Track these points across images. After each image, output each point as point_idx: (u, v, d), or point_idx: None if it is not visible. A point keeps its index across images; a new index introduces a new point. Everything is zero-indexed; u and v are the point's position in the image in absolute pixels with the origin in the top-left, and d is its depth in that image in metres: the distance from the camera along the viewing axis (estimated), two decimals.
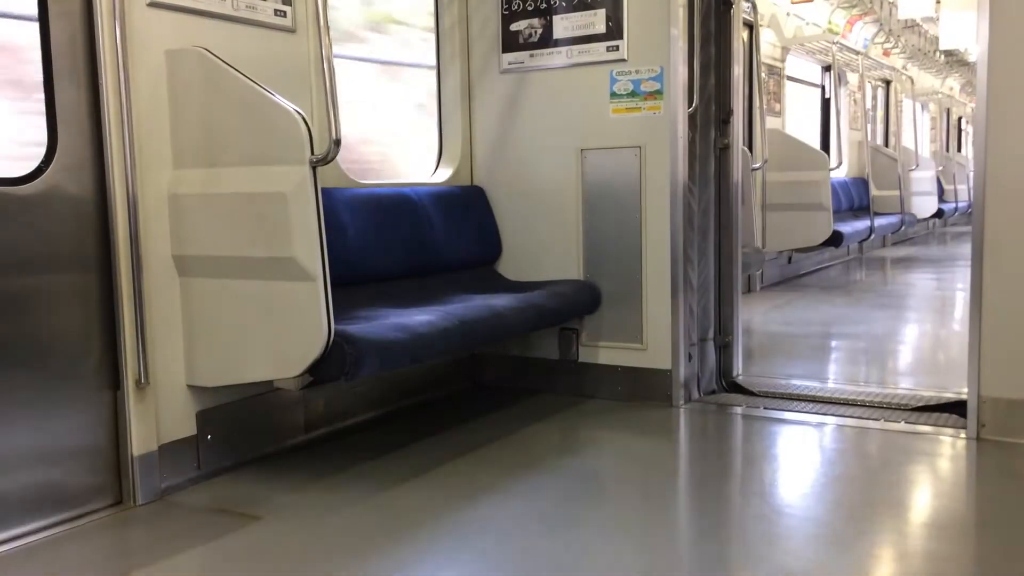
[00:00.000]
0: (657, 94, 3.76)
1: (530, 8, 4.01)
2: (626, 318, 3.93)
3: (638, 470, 3.13)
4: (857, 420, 3.60)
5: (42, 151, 2.62)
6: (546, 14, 3.97)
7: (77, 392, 2.70)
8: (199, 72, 2.82)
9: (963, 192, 13.40)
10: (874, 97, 11.33)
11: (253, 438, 3.22)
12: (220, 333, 2.88)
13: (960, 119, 16.51)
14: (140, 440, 2.80)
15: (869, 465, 3.16)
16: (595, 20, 3.86)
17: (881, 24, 10.26)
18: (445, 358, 4.11)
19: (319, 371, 2.80)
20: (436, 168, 4.28)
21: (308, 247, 2.67)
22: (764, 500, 2.82)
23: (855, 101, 10.35)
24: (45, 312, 2.61)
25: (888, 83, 11.66)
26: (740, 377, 4.25)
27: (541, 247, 4.13)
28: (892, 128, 11.56)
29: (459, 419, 3.78)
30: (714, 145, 4.13)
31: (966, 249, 6.03)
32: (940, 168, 12.29)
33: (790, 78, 8.60)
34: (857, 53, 9.77)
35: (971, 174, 9.87)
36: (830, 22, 9.28)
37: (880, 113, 11.61)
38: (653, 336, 3.88)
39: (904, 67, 12.04)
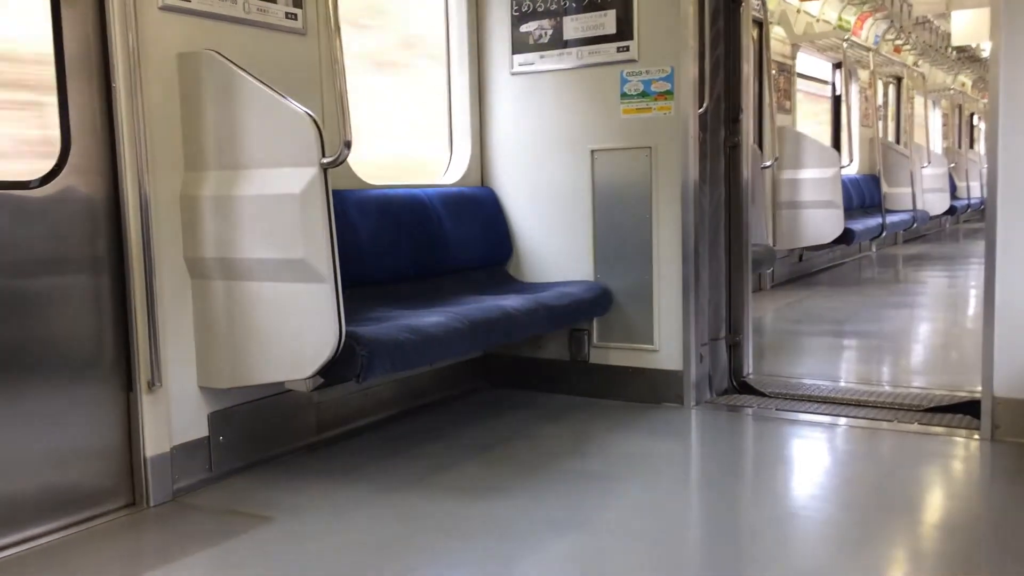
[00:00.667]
0: (668, 94, 3.75)
1: (540, 9, 4.00)
2: (637, 319, 3.93)
3: (649, 471, 3.12)
4: (869, 421, 3.59)
5: None
6: (556, 15, 3.97)
7: (90, 394, 2.72)
8: (210, 75, 2.83)
9: (975, 189, 13.32)
10: (885, 94, 11.27)
11: (265, 439, 3.23)
12: (232, 335, 2.89)
13: (972, 115, 16.41)
14: (153, 441, 2.81)
15: (882, 467, 3.15)
16: (605, 21, 3.86)
17: (892, 20, 10.21)
18: (456, 359, 4.11)
19: (331, 372, 2.80)
20: (447, 169, 4.28)
21: (319, 249, 2.68)
22: (776, 502, 2.81)
23: (866, 98, 10.30)
24: (58, 314, 2.63)
25: (899, 80, 11.60)
26: (751, 376, 4.24)
27: (552, 248, 4.12)
28: (904, 125, 11.50)
29: (470, 420, 3.78)
30: (724, 144, 4.11)
31: (979, 246, 6.00)
32: (952, 165, 12.22)
33: (800, 75, 8.56)
34: (868, 50, 9.72)
35: (984, 170, 9.81)
36: (840, 18, 9.24)
37: (891, 110, 11.55)
38: (664, 337, 3.88)
39: (915, 63, 11.98)
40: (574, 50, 3.95)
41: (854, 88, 9.96)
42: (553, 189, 4.08)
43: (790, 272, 8.10)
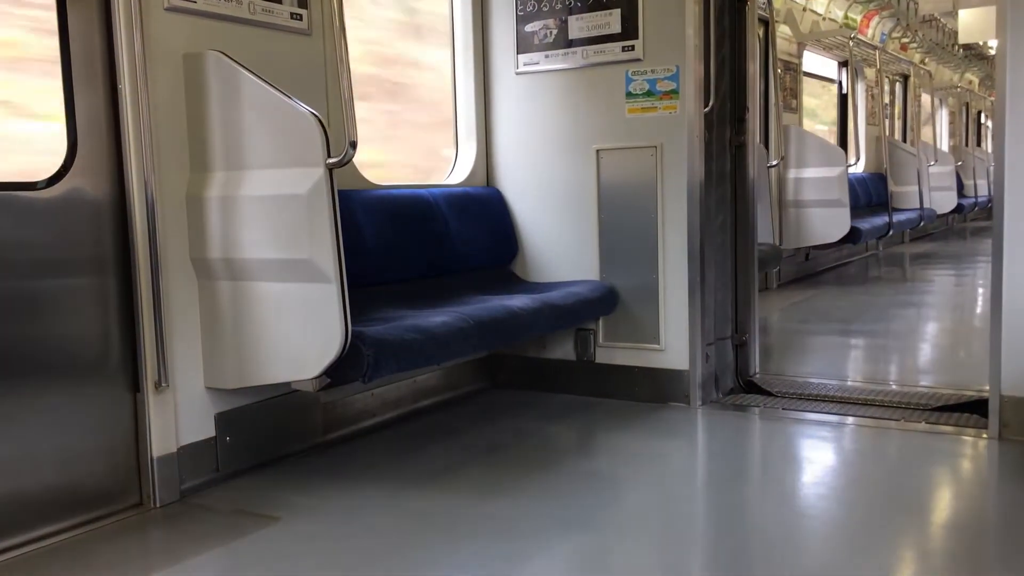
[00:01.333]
0: (673, 93, 3.75)
1: (545, 9, 4.00)
2: (643, 318, 3.92)
3: (655, 471, 3.12)
4: (876, 420, 3.57)
5: None
6: (561, 15, 3.97)
7: (97, 394, 2.72)
8: (216, 75, 2.83)
9: (983, 187, 13.28)
10: (892, 92, 11.24)
11: (271, 440, 3.24)
12: (238, 335, 2.90)
13: (979, 113, 16.35)
14: (160, 442, 2.82)
15: (889, 466, 3.14)
16: (610, 20, 3.85)
17: (898, 19, 10.18)
18: (462, 359, 4.11)
19: (337, 373, 2.80)
20: (452, 169, 4.28)
21: (325, 249, 2.68)
22: (783, 501, 2.81)
23: (872, 96, 10.27)
24: (65, 315, 2.63)
25: (906, 78, 11.56)
26: (757, 376, 4.23)
27: (557, 247, 4.12)
28: (910, 123, 11.47)
29: (476, 420, 3.78)
30: (730, 143, 4.11)
31: (986, 245, 5.98)
32: (959, 163, 12.18)
33: (807, 74, 8.54)
34: (874, 48, 9.70)
35: (991, 168, 9.77)
36: (846, 16, 9.22)
37: (898, 108, 11.52)
38: (670, 336, 3.87)
39: (922, 61, 11.94)
40: (579, 50, 3.94)
41: (860, 86, 9.93)
42: (558, 189, 4.08)
43: (797, 271, 8.08)
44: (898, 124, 11.52)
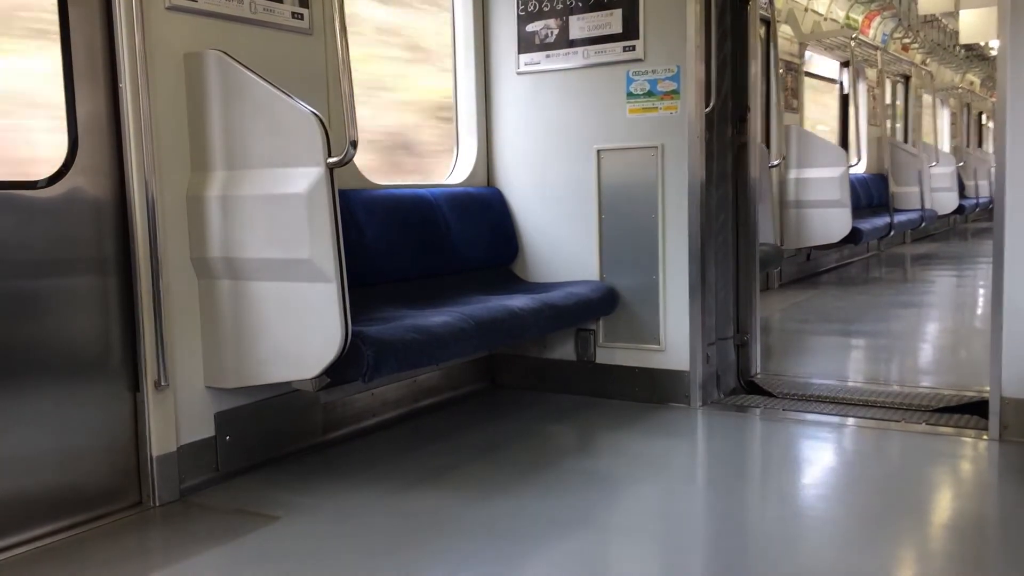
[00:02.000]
0: (674, 94, 3.75)
1: (546, 9, 4.00)
2: (643, 318, 3.92)
3: (655, 471, 3.12)
4: (877, 421, 3.57)
5: None
6: (562, 15, 3.96)
7: (97, 394, 2.72)
8: (217, 75, 2.83)
9: (984, 188, 13.27)
10: (893, 92, 11.23)
11: (271, 439, 3.23)
12: (238, 335, 2.90)
13: (981, 114, 16.35)
14: (160, 441, 2.82)
15: (890, 467, 3.13)
16: (611, 20, 3.85)
17: (900, 19, 10.17)
18: (462, 359, 4.11)
19: (337, 372, 2.80)
20: (453, 169, 4.28)
21: (325, 249, 2.68)
22: (784, 502, 2.81)
23: (874, 97, 10.26)
24: (65, 314, 2.63)
25: (907, 78, 11.56)
26: (758, 376, 4.23)
27: (558, 248, 4.12)
28: (912, 123, 11.46)
29: (476, 420, 3.78)
30: (731, 143, 4.11)
31: (987, 246, 5.98)
32: (960, 164, 12.17)
33: (808, 74, 8.54)
34: (876, 48, 9.69)
35: (992, 169, 9.76)
36: (848, 17, 9.21)
37: (899, 108, 11.51)
38: (671, 336, 3.87)
39: (924, 62, 11.94)
40: (580, 49, 3.94)
41: (862, 87, 9.93)
42: (559, 189, 4.08)
43: (798, 271, 8.08)
44: (899, 125, 11.51)
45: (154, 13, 2.76)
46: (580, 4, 3.91)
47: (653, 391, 3.91)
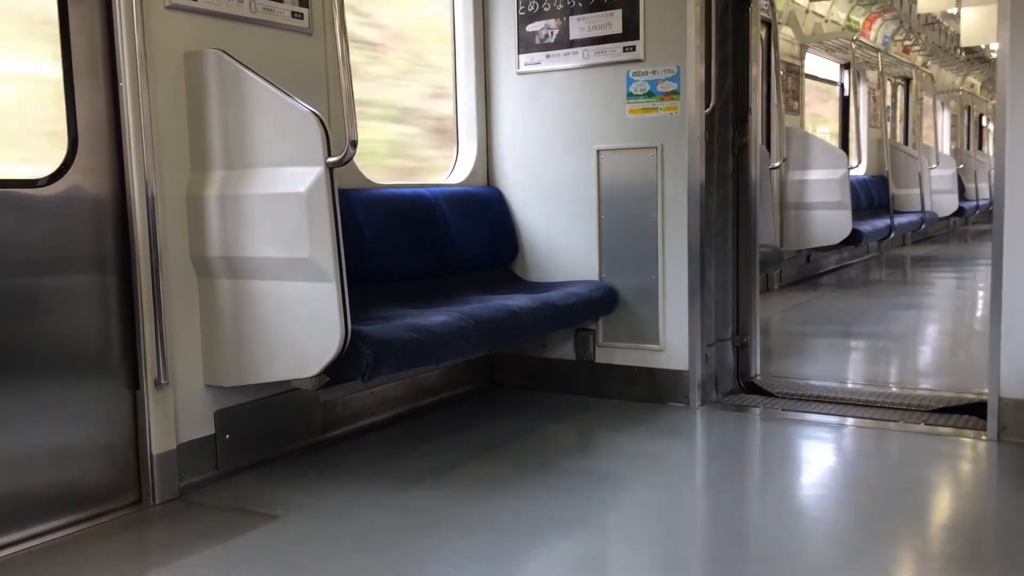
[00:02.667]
0: (674, 94, 3.75)
1: (546, 9, 4.00)
2: (643, 318, 3.92)
3: (654, 471, 3.12)
4: (876, 422, 3.57)
5: None
6: (562, 15, 3.97)
7: (97, 392, 2.73)
8: (217, 74, 2.83)
9: (984, 190, 13.27)
10: (894, 95, 11.24)
11: (271, 438, 3.24)
12: (238, 333, 2.90)
13: (981, 116, 16.35)
14: (159, 439, 2.82)
15: (888, 467, 3.14)
16: (611, 20, 3.85)
17: (901, 22, 10.18)
18: (462, 358, 4.11)
19: (336, 371, 2.81)
20: (453, 169, 4.28)
21: (325, 248, 2.69)
22: (783, 502, 2.81)
23: (874, 99, 10.27)
24: (66, 312, 2.64)
25: (908, 80, 11.56)
26: (758, 377, 4.23)
27: (558, 247, 4.12)
28: (912, 126, 11.46)
29: (475, 419, 3.78)
30: (732, 144, 4.11)
31: (987, 248, 5.98)
32: (961, 166, 12.17)
33: (808, 76, 8.54)
34: (876, 50, 9.69)
35: (992, 172, 9.76)
36: (849, 19, 9.22)
37: (900, 111, 11.51)
38: (670, 336, 3.87)
39: (924, 64, 11.94)
40: (580, 50, 3.94)
41: (862, 89, 9.93)
42: (559, 189, 4.08)
43: (798, 273, 8.08)
44: (900, 127, 11.51)
45: (154, 12, 2.76)
46: (580, 4, 3.92)
47: (652, 391, 3.92)
